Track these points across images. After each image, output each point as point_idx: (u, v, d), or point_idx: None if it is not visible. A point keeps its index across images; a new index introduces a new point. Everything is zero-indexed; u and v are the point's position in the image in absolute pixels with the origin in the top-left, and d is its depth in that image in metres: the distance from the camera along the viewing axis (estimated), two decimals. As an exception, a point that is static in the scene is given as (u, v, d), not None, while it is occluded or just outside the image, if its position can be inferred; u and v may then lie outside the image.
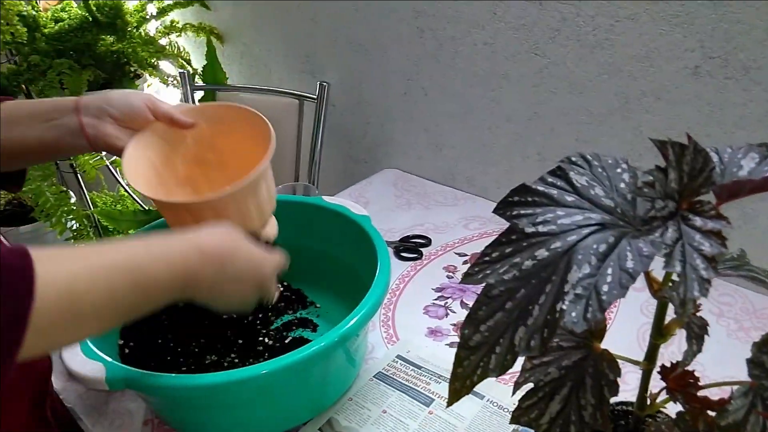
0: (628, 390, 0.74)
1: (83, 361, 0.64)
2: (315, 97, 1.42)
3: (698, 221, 0.37)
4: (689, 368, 0.49)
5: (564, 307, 0.38)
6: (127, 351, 0.79)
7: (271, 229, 0.81)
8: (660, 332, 0.48)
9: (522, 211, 0.45)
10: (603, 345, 0.48)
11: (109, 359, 0.64)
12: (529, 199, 0.45)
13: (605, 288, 0.38)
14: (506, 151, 1.23)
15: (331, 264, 0.93)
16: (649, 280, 0.46)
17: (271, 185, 0.77)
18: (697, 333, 0.42)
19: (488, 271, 0.44)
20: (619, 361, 0.48)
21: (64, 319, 0.45)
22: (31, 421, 0.63)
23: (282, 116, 1.46)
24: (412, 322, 0.94)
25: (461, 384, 0.43)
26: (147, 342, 0.81)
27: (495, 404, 0.78)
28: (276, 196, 0.78)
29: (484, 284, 0.43)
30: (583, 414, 0.44)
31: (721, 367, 0.76)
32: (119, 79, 1.52)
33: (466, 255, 1.09)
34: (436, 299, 0.99)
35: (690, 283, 0.34)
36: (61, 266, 0.46)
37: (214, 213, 0.68)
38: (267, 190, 0.75)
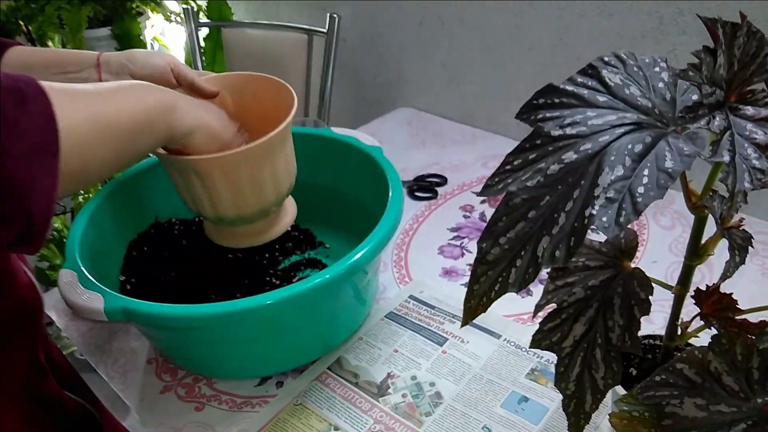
0: (655, 325, 0.70)
1: (82, 292, 0.62)
2: (325, 31, 1.35)
3: (750, 110, 0.32)
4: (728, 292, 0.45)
5: (594, 212, 0.34)
6: (128, 287, 0.76)
7: (289, 211, 0.76)
8: (696, 252, 0.44)
9: (548, 114, 0.40)
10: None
11: (108, 290, 0.62)
12: (557, 100, 0.40)
13: (641, 190, 0.33)
14: (529, 85, 1.16)
15: (341, 201, 0.89)
16: (687, 191, 0.41)
17: (291, 159, 0.72)
18: (740, 244, 0.37)
19: (509, 180, 0.39)
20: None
21: (88, 130, 0.46)
22: (23, 364, 0.60)
23: (290, 53, 1.40)
24: (426, 263, 0.91)
25: (477, 302, 0.39)
26: (149, 279, 0.78)
27: (512, 344, 0.75)
28: (296, 173, 0.74)
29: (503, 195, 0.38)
30: (610, 336, 0.40)
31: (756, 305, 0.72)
32: (120, 16, 1.46)
33: (483, 194, 1.04)
34: (451, 239, 0.95)
35: (740, 173, 0.29)
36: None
37: (224, 175, 0.64)
38: (285, 163, 0.70)
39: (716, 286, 0.45)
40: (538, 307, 0.43)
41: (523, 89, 1.19)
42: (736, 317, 0.43)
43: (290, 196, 0.76)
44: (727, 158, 0.30)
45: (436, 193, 1.06)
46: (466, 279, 0.87)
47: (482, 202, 1.02)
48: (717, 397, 0.40)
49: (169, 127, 0.56)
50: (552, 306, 0.43)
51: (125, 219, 0.81)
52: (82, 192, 1.35)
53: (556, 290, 0.42)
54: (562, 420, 0.65)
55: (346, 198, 0.88)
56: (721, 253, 0.44)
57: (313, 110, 1.47)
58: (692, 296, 0.46)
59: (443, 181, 1.09)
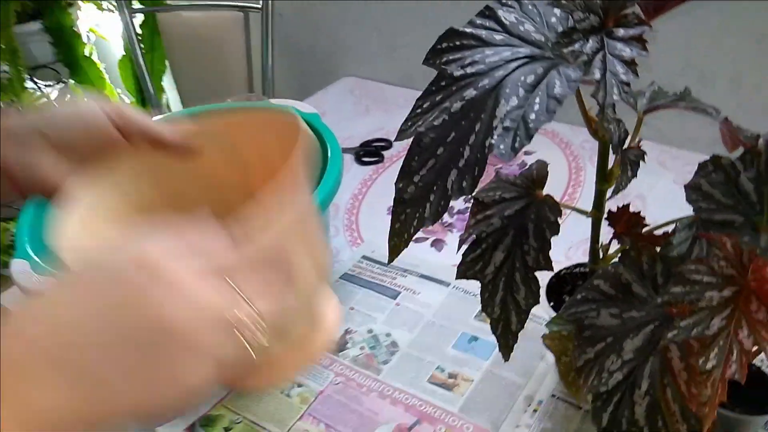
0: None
1: (37, 279, 0.62)
2: (259, 7, 1.35)
3: (621, 32, 0.35)
4: (636, 211, 0.49)
5: (493, 141, 0.37)
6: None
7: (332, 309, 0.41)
8: (604, 176, 0.47)
9: (451, 57, 0.42)
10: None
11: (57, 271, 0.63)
12: (458, 43, 0.43)
13: (533, 116, 0.36)
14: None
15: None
16: (587, 118, 0.44)
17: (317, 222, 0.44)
18: (632, 160, 0.40)
19: (419, 122, 0.42)
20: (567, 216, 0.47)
21: None
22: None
23: (228, 32, 1.40)
24: (376, 224, 0.93)
25: (399, 239, 0.42)
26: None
27: (461, 290, 0.78)
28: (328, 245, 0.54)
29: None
30: (527, 259, 0.43)
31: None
32: (50, 9, 1.43)
33: (427, 152, 1.07)
34: (398, 198, 0.98)
35: (609, 87, 0.32)
36: None
37: None
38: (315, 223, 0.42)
39: (625, 207, 0.48)
40: (462, 241, 0.46)
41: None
42: (644, 232, 0.46)
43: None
44: (598, 75, 0.33)
45: (382, 157, 1.08)
46: (416, 235, 0.90)
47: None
48: (628, 305, 0.44)
49: None
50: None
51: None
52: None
53: (477, 224, 0.45)
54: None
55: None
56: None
57: (257, 88, 1.47)
58: (606, 218, 0.50)
59: (389, 144, 1.11)
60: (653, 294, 0.43)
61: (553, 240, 0.83)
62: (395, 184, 0.41)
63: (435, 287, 0.79)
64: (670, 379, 0.40)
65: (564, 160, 0.99)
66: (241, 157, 0.53)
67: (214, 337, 0.29)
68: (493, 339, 0.48)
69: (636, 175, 0.41)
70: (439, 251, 0.87)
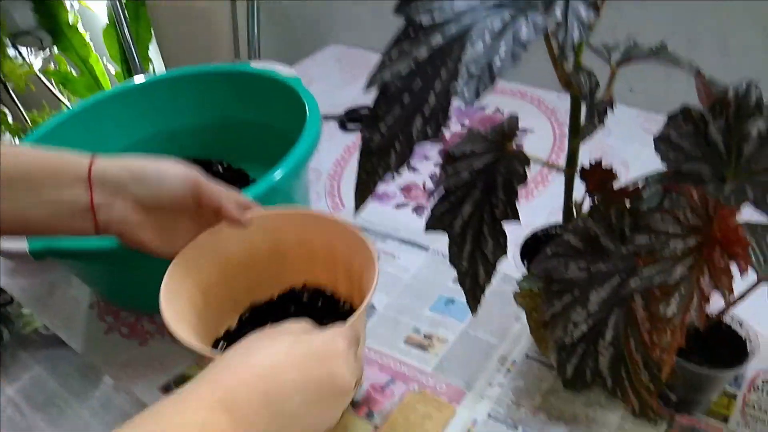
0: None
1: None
2: (245, -28, 1.33)
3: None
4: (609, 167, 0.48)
5: (457, 87, 0.36)
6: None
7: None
8: (577, 130, 0.46)
9: (420, 6, 0.42)
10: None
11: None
12: (427, -9, 0.42)
13: (497, 62, 0.36)
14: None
15: (269, 136, 0.90)
16: (557, 69, 0.43)
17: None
18: (600, 109, 0.40)
19: (386, 72, 0.41)
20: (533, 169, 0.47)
21: None
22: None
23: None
24: (359, 190, 0.93)
25: (365, 189, 0.41)
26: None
27: (439, 254, 0.78)
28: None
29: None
30: (495, 212, 0.43)
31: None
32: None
33: (412, 120, 1.06)
34: (382, 164, 0.97)
35: (570, 28, 0.32)
36: None
37: None
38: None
39: (598, 163, 0.48)
40: (431, 194, 0.45)
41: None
42: (615, 187, 0.46)
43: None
44: (559, 17, 0.32)
45: (367, 124, 1.07)
46: (396, 201, 0.90)
47: (411, 127, 1.04)
48: (596, 258, 0.44)
49: None
50: (443, 192, 0.46)
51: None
52: None
53: (447, 177, 0.45)
54: (483, 314, 0.69)
55: (273, 131, 0.89)
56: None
57: (243, 55, 1.45)
58: (579, 175, 0.49)
59: (374, 111, 1.10)
60: (621, 247, 0.43)
61: (535, 205, 0.83)
62: (360, 133, 0.40)
63: (414, 251, 0.79)
64: (634, 329, 0.40)
65: (549, 126, 0.98)
66: (280, 248, 0.63)
67: (353, 389, 0.44)
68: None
69: (603, 122, 0.40)
70: (421, 217, 0.86)
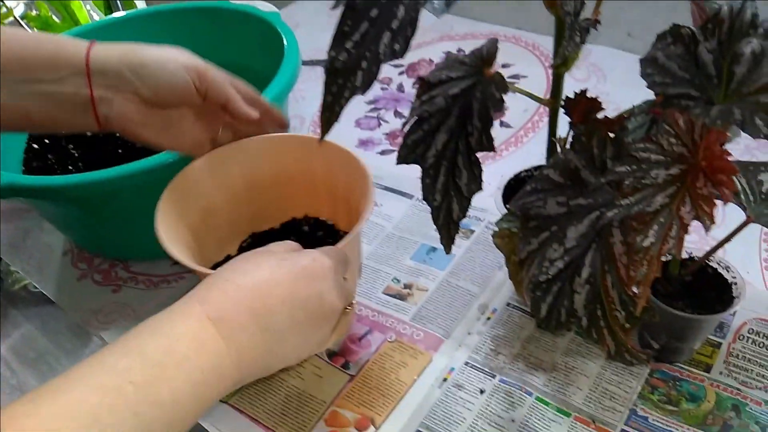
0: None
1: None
2: None
3: None
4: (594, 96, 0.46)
5: (426, -4, 0.33)
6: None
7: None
8: (562, 56, 0.43)
9: None
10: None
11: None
12: None
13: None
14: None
15: (248, 78, 0.86)
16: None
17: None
18: (583, 26, 0.37)
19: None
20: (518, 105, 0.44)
21: None
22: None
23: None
24: (343, 136, 0.88)
25: (331, 112, 0.39)
26: (53, 173, 0.76)
27: (422, 202, 0.76)
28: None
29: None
30: (470, 141, 0.40)
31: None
32: None
33: (402, 66, 1.02)
34: (368, 111, 0.94)
35: None
36: None
37: None
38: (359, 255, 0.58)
39: (582, 92, 0.45)
40: (405, 123, 0.43)
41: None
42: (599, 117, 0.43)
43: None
44: None
45: (354, 72, 1.03)
46: (382, 147, 0.87)
47: (400, 74, 1.01)
48: (576, 192, 0.41)
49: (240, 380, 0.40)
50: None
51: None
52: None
53: (421, 105, 0.42)
54: (465, 263, 0.67)
55: (251, 75, 0.85)
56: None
57: None
58: (562, 107, 0.46)
59: (362, 59, 1.06)
60: (600, 178, 0.40)
61: (525, 151, 0.80)
62: (327, 52, 0.38)
63: (397, 198, 0.77)
64: (611, 266, 0.38)
65: (543, 71, 0.94)
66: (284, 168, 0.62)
67: (341, 310, 0.45)
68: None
69: (584, 41, 0.37)
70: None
